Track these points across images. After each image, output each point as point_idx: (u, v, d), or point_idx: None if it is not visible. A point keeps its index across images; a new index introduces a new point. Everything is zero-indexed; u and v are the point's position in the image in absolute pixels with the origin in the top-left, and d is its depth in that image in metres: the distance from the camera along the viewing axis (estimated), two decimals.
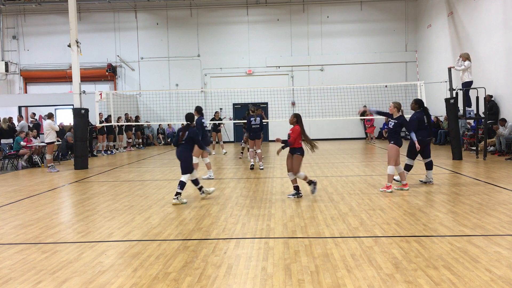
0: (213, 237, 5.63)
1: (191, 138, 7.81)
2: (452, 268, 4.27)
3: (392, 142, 8.23)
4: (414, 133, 8.39)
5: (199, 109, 10.39)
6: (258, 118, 12.14)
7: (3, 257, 5.07)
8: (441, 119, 18.67)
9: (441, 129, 18.38)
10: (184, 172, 7.77)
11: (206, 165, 10.58)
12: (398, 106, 8.30)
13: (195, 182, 8.06)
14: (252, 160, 12.29)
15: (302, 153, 7.89)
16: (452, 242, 5.08)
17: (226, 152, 16.61)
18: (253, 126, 12.11)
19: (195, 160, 10.31)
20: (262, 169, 11.94)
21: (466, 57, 13.23)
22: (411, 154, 8.87)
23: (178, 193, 7.67)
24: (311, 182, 8.03)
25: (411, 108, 9.07)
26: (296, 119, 7.91)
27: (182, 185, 7.67)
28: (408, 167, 8.94)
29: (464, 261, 4.45)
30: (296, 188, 8.04)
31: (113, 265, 4.66)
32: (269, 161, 13.93)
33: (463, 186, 8.61)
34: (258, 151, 12.19)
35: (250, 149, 12.35)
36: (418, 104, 8.90)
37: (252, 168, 12.05)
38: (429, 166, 8.98)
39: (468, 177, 9.71)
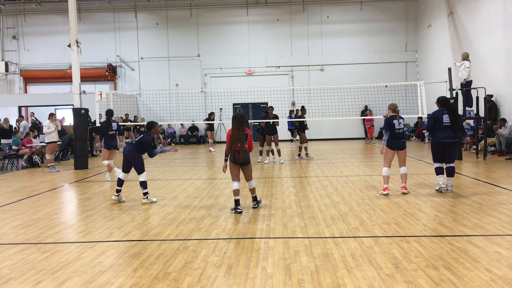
0: (213, 237, 5.63)
1: (141, 142, 7.73)
2: (452, 268, 4.27)
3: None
4: (388, 134, 7.90)
5: (108, 112, 11.09)
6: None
7: (3, 257, 5.07)
8: None
9: None
10: (139, 172, 7.79)
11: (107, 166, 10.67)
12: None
13: (120, 182, 7.96)
14: None
15: (231, 158, 6.97)
16: (452, 242, 5.08)
17: (211, 151, 17.92)
18: None
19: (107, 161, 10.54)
20: None
21: (465, 57, 13.24)
22: (434, 156, 8.18)
23: (145, 193, 7.82)
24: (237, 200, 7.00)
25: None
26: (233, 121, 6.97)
27: (144, 185, 7.81)
28: (438, 170, 8.06)
29: (464, 261, 4.45)
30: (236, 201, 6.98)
31: (113, 265, 4.66)
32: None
33: (463, 186, 8.60)
34: None
35: None
36: (439, 103, 8.12)
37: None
38: (449, 172, 8.07)
39: (468, 177, 9.70)
